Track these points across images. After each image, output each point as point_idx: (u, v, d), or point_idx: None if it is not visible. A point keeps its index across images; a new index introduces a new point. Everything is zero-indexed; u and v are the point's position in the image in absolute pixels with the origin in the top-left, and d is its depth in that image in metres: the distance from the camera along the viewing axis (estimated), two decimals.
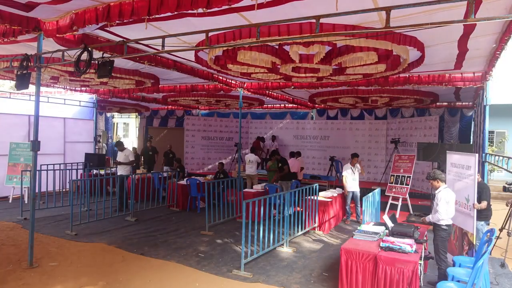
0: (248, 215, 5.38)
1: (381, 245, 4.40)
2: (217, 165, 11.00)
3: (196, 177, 10.28)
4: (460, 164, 5.56)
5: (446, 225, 4.85)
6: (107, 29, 5.55)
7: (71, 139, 12.53)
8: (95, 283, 4.78)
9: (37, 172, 7.03)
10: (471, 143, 11.13)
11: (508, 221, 6.01)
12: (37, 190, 7.99)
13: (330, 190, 8.99)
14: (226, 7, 4.08)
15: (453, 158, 5.87)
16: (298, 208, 7.30)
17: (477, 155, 5.24)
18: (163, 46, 4.80)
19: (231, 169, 14.78)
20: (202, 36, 5.19)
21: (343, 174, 8.60)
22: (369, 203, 6.61)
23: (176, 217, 8.68)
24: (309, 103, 13.29)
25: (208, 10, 3.98)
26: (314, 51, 5.72)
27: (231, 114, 16.76)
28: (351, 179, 8.52)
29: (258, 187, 9.39)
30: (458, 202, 5.43)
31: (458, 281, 4.11)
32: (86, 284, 4.75)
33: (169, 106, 16.57)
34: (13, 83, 8.73)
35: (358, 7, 3.64)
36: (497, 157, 6.35)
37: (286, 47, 5.97)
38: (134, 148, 13.63)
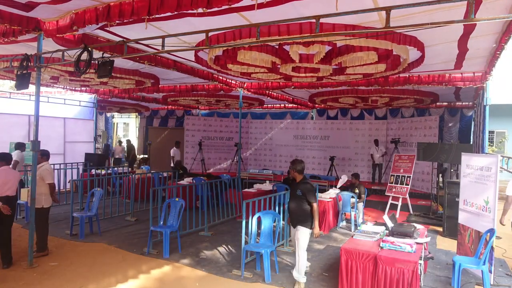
0: (248, 215, 5.38)
1: (381, 245, 4.41)
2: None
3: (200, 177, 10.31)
4: (479, 166, 5.40)
5: None
6: (107, 29, 5.54)
7: (71, 139, 12.53)
8: (95, 283, 4.78)
9: None
10: (471, 143, 11.13)
11: None
12: None
13: (330, 190, 8.98)
14: (226, 7, 4.08)
15: (470, 160, 5.68)
16: None
17: (499, 155, 5.17)
18: (163, 46, 4.80)
19: (231, 169, 14.80)
20: (202, 36, 5.19)
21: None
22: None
23: None
24: (309, 103, 13.29)
25: (208, 10, 3.99)
26: (314, 51, 5.73)
27: (231, 114, 16.75)
28: None
29: (267, 186, 9.40)
30: (475, 204, 5.35)
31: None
32: (85, 284, 4.74)
33: (169, 106, 16.57)
34: (13, 83, 8.71)
35: (358, 7, 3.64)
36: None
37: (286, 47, 5.97)
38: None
